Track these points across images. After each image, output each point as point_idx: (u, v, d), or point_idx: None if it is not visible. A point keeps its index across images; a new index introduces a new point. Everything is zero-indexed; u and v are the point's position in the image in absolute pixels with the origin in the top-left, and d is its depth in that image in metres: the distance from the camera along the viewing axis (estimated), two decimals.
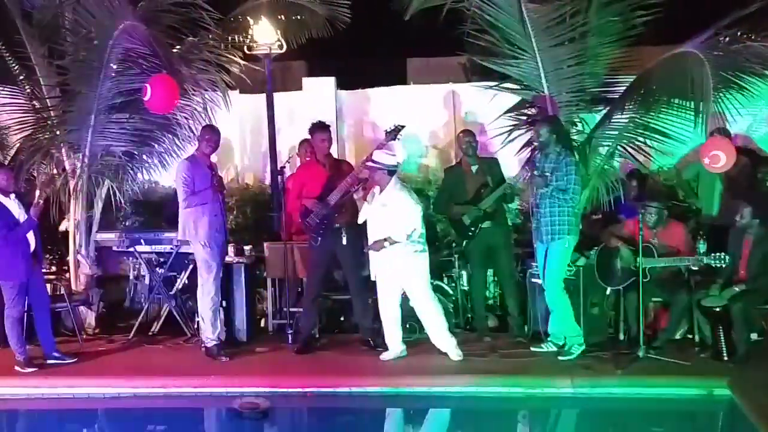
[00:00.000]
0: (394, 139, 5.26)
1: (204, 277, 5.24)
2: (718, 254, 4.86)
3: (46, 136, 6.15)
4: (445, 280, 6.00)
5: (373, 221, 5.07)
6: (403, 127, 5.23)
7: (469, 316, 5.95)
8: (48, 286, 5.71)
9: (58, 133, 6.12)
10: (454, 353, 5.06)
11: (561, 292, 5.03)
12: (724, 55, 5.00)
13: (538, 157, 5.18)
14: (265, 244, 5.93)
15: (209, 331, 5.28)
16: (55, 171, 6.24)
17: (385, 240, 4.95)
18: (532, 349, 5.20)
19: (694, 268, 5.08)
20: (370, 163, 5.04)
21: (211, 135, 5.30)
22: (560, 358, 5.00)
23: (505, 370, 4.90)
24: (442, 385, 4.82)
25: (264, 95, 6.70)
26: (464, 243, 5.62)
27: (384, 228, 4.99)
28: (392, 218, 4.96)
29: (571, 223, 4.97)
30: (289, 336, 5.59)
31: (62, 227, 6.28)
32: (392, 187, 5.02)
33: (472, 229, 5.47)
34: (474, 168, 5.54)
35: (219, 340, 5.34)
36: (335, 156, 5.88)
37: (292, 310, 5.70)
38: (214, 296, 5.26)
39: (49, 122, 6.17)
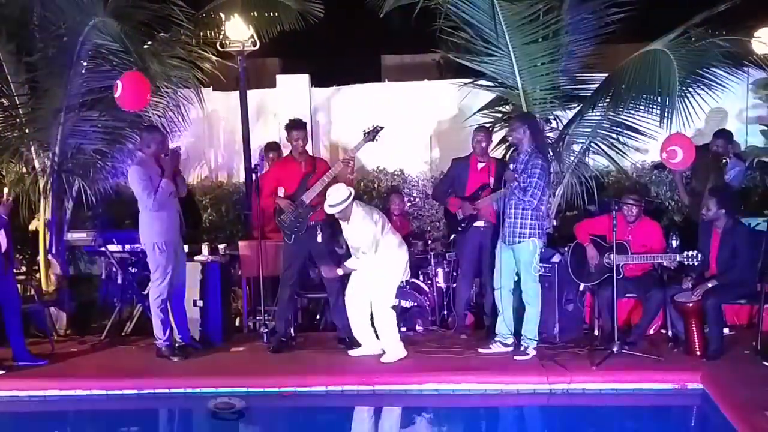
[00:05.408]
0: (373, 140, 5.22)
1: (157, 280, 5.19)
2: (690, 253, 4.90)
3: (15, 134, 6.04)
4: (421, 277, 6.01)
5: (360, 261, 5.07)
6: (381, 128, 5.19)
7: (445, 313, 5.95)
8: (18, 286, 5.60)
9: (27, 131, 6.02)
10: (395, 354, 5.03)
11: (534, 293, 5.04)
12: (692, 53, 5.06)
13: (513, 156, 5.16)
14: (240, 243, 5.88)
15: (160, 332, 5.25)
16: (24, 170, 6.13)
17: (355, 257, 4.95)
18: (480, 350, 5.16)
19: (666, 265, 5.13)
20: (329, 209, 4.96)
21: (154, 135, 5.19)
22: (516, 358, 5.00)
23: (481, 368, 4.90)
24: (418, 383, 4.81)
25: (238, 92, 6.65)
26: (452, 236, 5.63)
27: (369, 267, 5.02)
28: (360, 237, 4.99)
29: (533, 226, 4.94)
30: (265, 335, 5.55)
31: (32, 227, 6.17)
32: (357, 213, 5.00)
33: (463, 224, 5.48)
34: (480, 165, 5.51)
35: (170, 340, 5.30)
36: (310, 153, 5.84)
37: (267, 308, 5.66)
38: (164, 298, 5.23)
39: (17, 120, 6.06)
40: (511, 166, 4.99)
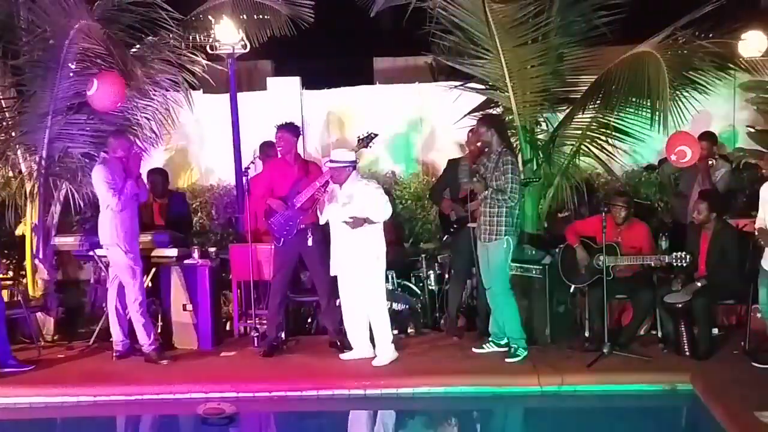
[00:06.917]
0: (367, 146, 5.22)
1: (129, 282, 5.17)
2: (679, 254, 4.93)
3: (1, 138, 5.98)
4: (413, 279, 6.00)
5: (340, 215, 5.03)
6: (376, 135, 5.21)
7: (437, 315, 5.95)
8: (4, 292, 5.54)
9: (13, 134, 5.96)
10: (387, 356, 5.04)
11: (505, 292, 5.04)
12: (680, 54, 5.10)
13: (482, 160, 5.13)
14: (230, 246, 5.85)
15: (144, 337, 5.22)
16: (11, 173, 6.07)
17: (365, 219, 4.93)
18: (474, 350, 5.18)
19: (655, 266, 5.15)
20: (329, 163, 5.03)
21: (120, 141, 5.22)
22: (507, 360, 5.00)
23: (473, 370, 4.90)
24: (409, 386, 4.80)
25: (228, 95, 6.63)
26: (445, 237, 5.65)
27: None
28: (363, 206, 4.96)
29: (508, 223, 4.95)
30: (255, 339, 5.52)
31: (19, 231, 6.12)
32: (353, 180, 5.02)
33: (455, 225, 5.49)
34: (475, 167, 5.49)
35: (156, 343, 5.26)
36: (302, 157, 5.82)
37: (257, 312, 5.62)
38: (142, 301, 5.21)
39: (4, 123, 6.00)
40: (482, 169, 5.03)
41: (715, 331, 5.29)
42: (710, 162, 5.66)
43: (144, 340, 5.22)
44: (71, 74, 5.68)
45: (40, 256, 5.96)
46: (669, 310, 5.10)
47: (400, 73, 7.70)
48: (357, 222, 4.94)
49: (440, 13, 5.48)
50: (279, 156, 5.42)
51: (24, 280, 6.03)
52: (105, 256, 5.79)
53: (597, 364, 4.80)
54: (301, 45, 6.73)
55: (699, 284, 4.97)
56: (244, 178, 5.73)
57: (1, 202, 5.61)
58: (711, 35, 5.37)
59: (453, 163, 5.72)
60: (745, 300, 5.15)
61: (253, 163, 5.78)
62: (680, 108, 5.09)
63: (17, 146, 5.95)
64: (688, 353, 4.95)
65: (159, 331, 5.78)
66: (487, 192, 4.92)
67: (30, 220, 5.97)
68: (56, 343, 5.87)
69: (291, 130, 5.32)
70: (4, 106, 6.01)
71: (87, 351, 5.62)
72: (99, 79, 5.05)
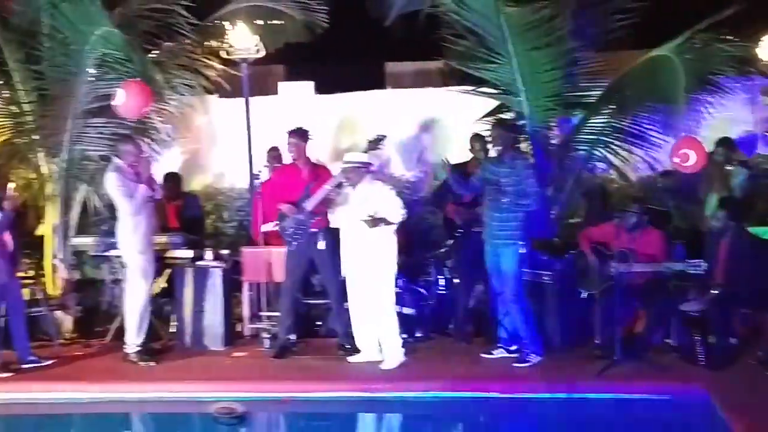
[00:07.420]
0: (376, 149, 5.25)
1: (139, 284, 5.24)
2: (694, 261, 4.85)
3: (23, 141, 6.13)
4: (421, 283, 5.99)
5: (355, 215, 5.03)
6: (384, 137, 5.23)
7: (446, 319, 5.92)
8: (25, 290, 5.66)
9: (35, 137, 6.10)
10: (395, 360, 5.03)
11: (518, 297, 4.99)
12: (698, 58, 5.03)
13: (488, 165, 5.09)
14: (243, 249, 5.90)
15: (134, 338, 5.28)
16: (33, 175, 6.20)
17: (381, 220, 4.94)
18: (483, 355, 5.15)
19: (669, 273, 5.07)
20: (344, 165, 5.06)
21: (128, 148, 5.31)
22: (515, 365, 4.96)
23: (481, 375, 4.88)
24: (417, 390, 4.79)
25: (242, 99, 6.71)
26: (451, 242, 5.64)
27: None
28: (378, 208, 4.96)
29: (521, 228, 4.91)
30: (266, 341, 5.56)
31: (39, 231, 6.26)
32: (368, 182, 5.04)
33: (460, 230, 5.46)
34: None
35: (142, 345, 5.32)
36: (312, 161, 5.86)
37: (268, 314, 5.67)
38: (146, 303, 5.28)
39: (26, 127, 6.15)
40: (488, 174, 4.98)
41: (733, 340, 5.18)
42: (728, 168, 5.56)
43: (134, 340, 5.28)
44: (91, 79, 5.81)
45: (60, 255, 6.10)
46: (684, 319, 5.02)
47: (412, 78, 7.73)
48: (375, 221, 4.94)
49: (453, 17, 5.49)
50: (289, 160, 5.46)
51: (43, 279, 6.16)
52: (121, 257, 5.92)
53: (608, 372, 4.74)
54: (314, 50, 6.79)
55: (715, 292, 4.88)
56: (255, 182, 5.79)
57: (23, 204, 5.75)
58: (729, 39, 5.28)
59: (457, 167, 5.71)
60: (763, 309, 5.05)
61: (266, 167, 5.85)
62: (697, 112, 5.03)
63: (38, 149, 6.09)
64: (703, 362, 4.86)
65: (174, 331, 5.87)
66: (506, 199, 4.86)
67: (50, 220, 6.11)
68: (74, 341, 5.99)
69: (301, 134, 5.36)
70: (26, 109, 6.15)
71: (103, 349, 5.72)
72: (126, 88, 5.15)
